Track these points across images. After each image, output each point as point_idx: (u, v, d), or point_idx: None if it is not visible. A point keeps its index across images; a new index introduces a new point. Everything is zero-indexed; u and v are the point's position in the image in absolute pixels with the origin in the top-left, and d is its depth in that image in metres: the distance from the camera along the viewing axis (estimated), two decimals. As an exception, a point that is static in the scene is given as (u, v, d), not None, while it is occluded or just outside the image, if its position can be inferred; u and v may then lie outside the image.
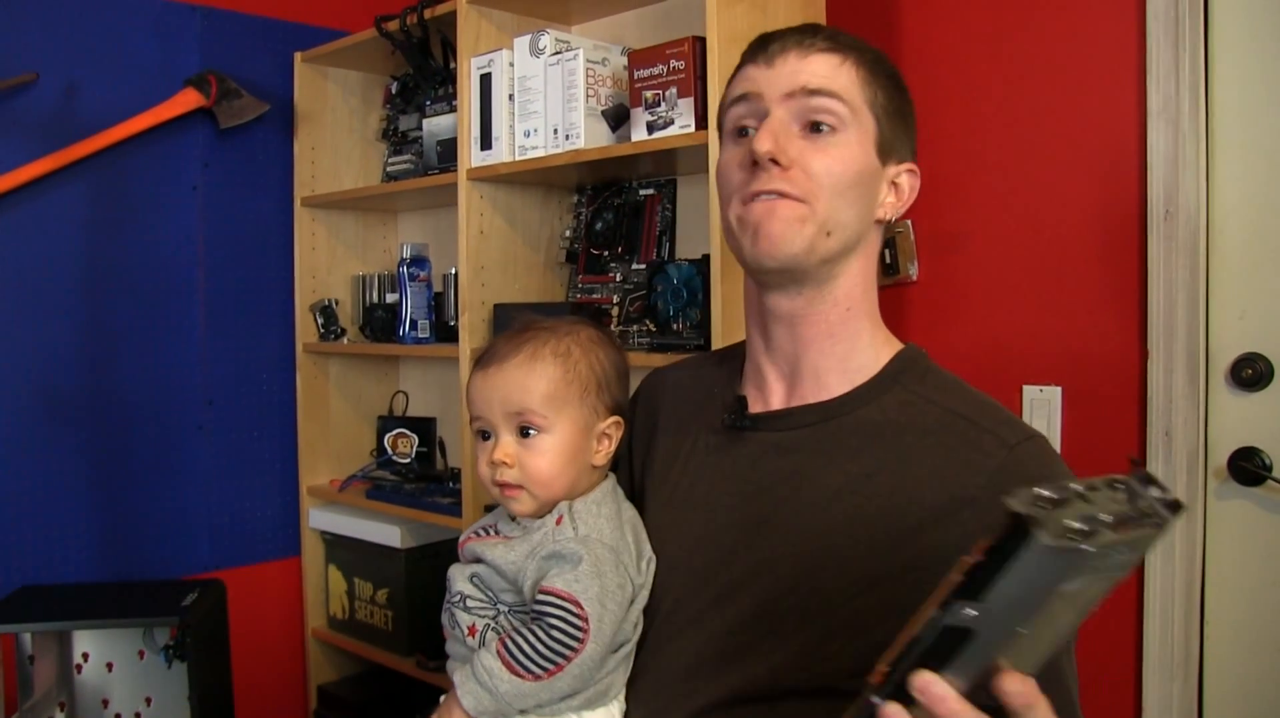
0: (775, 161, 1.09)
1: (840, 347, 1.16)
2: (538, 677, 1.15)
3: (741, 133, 1.15)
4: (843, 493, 1.10)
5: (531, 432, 1.22)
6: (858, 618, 1.05)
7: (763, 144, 1.08)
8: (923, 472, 1.07)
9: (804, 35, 1.13)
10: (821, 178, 1.10)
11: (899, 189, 1.19)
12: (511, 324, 1.30)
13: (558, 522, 1.22)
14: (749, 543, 1.14)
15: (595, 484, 1.28)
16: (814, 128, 1.11)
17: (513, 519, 1.27)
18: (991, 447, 1.05)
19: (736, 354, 1.31)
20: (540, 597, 1.17)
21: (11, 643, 2.24)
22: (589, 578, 1.16)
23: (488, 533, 1.29)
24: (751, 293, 1.22)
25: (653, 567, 1.23)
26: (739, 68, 1.18)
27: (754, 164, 1.10)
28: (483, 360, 1.27)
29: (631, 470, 1.37)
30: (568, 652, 1.15)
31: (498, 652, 1.17)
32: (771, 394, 1.21)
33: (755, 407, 1.22)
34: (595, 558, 1.17)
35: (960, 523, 1.03)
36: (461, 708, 1.19)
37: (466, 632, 1.24)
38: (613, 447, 1.29)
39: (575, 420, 1.24)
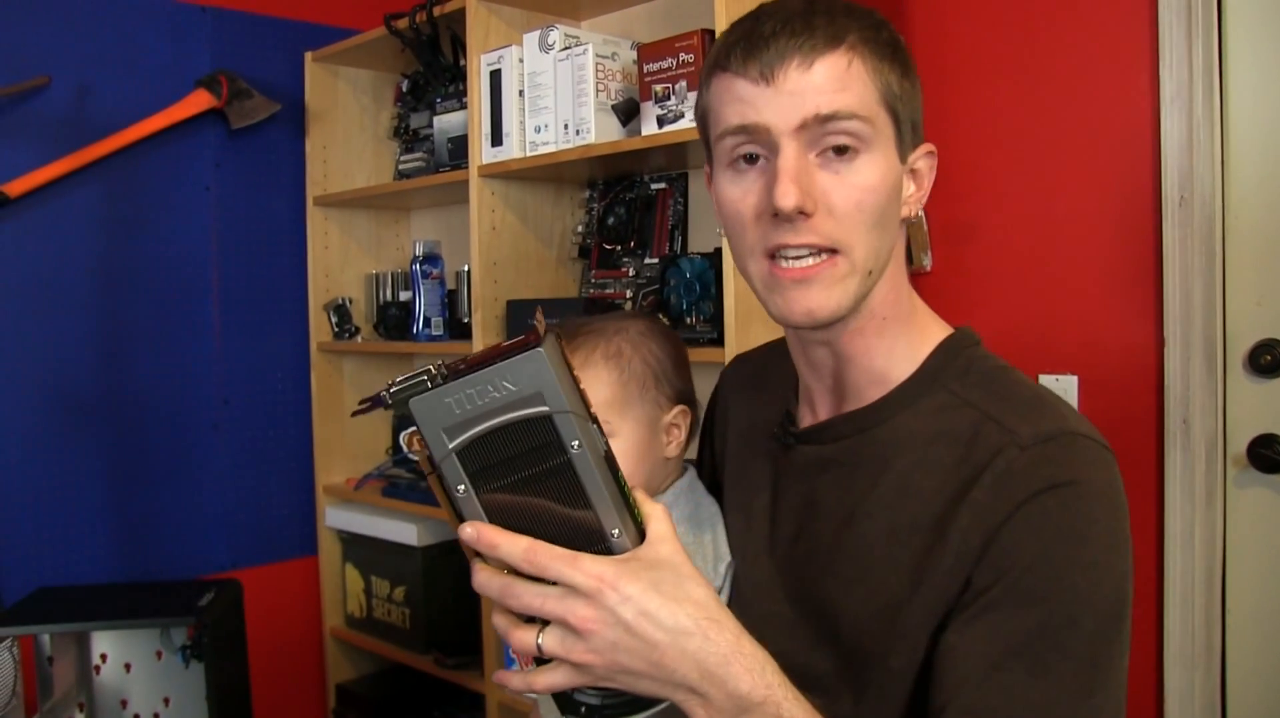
0: (802, 213, 0.95)
1: (879, 359, 1.06)
2: None
3: (748, 159, 0.99)
4: (872, 512, 1.01)
5: None
6: (878, 642, 0.98)
7: (787, 199, 0.94)
8: (946, 484, 0.97)
9: (798, 35, 0.95)
10: (853, 217, 0.97)
11: (919, 176, 1.06)
12: (565, 327, 1.25)
13: None
14: (795, 561, 1.09)
15: (671, 479, 1.26)
16: (836, 151, 0.96)
17: None
18: (1006, 447, 0.94)
19: None
20: None
21: (31, 644, 2.25)
22: None
23: None
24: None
25: (730, 571, 1.18)
26: (721, 69, 1.00)
27: (774, 214, 0.96)
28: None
29: (713, 462, 1.32)
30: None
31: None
32: (819, 407, 1.12)
33: (805, 419, 1.14)
34: None
35: (959, 527, 0.93)
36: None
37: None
38: (684, 435, 1.26)
39: (640, 419, 1.22)
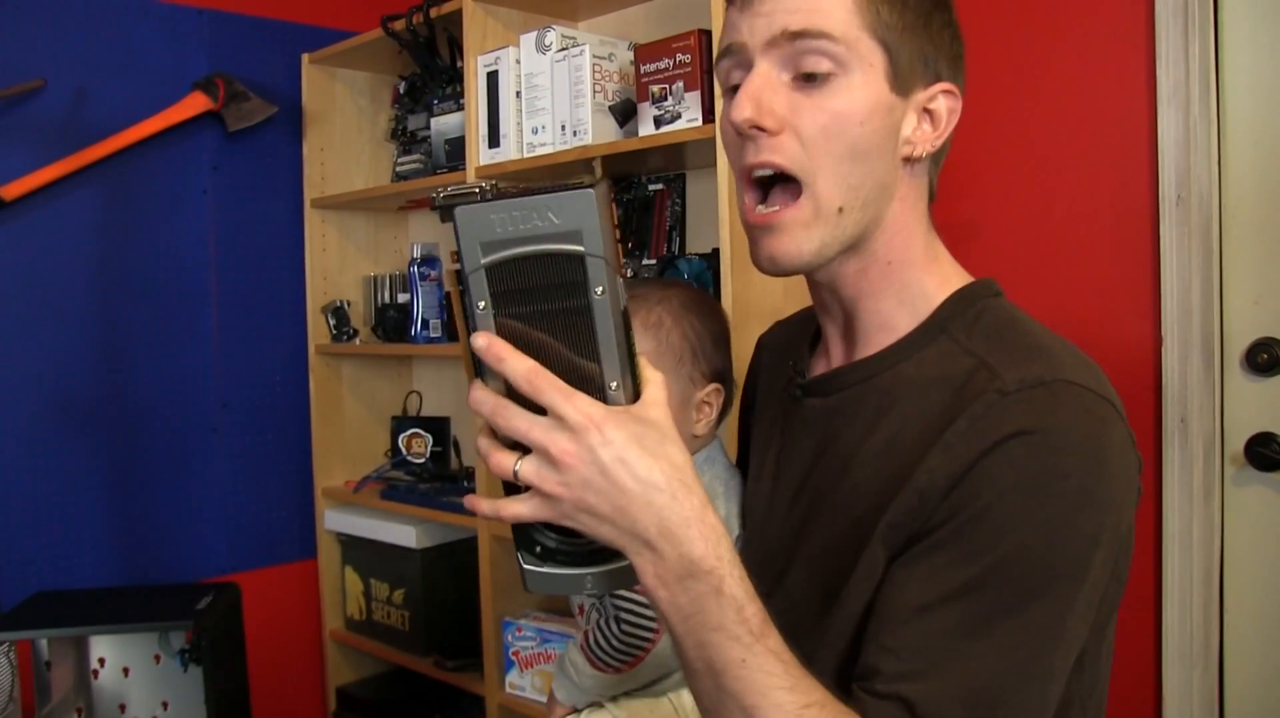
0: (761, 128, 0.95)
1: (887, 302, 1.04)
2: (618, 669, 1.18)
3: (734, 90, 0.99)
4: (865, 460, 0.99)
5: None
6: (841, 579, 0.96)
7: (740, 111, 0.94)
8: (930, 429, 0.93)
9: None
10: (818, 141, 0.95)
11: (935, 115, 1.01)
12: None
13: None
14: (799, 519, 1.07)
15: (695, 451, 1.24)
16: (807, 78, 0.95)
17: None
18: (987, 391, 0.91)
19: None
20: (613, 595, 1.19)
21: (28, 649, 2.24)
22: None
23: None
24: None
25: (739, 543, 1.17)
26: (727, 6, 1.01)
27: (739, 134, 0.96)
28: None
29: (748, 433, 1.29)
30: (644, 644, 1.17)
31: (581, 648, 1.20)
32: (834, 355, 1.10)
33: (818, 369, 1.12)
34: None
35: (927, 468, 0.90)
36: (560, 702, 1.25)
37: (577, 611, 1.28)
38: (714, 414, 1.25)
39: (672, 393, 1.19)
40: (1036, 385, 0.90)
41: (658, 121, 2.16)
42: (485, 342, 0.80)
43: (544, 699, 1.99)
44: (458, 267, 0.80)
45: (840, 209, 0.97)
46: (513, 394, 0.81)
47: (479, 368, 0.83)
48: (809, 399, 1.09)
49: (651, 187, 2.57)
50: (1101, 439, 0.90)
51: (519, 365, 0.80)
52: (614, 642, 1.18)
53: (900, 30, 0.96)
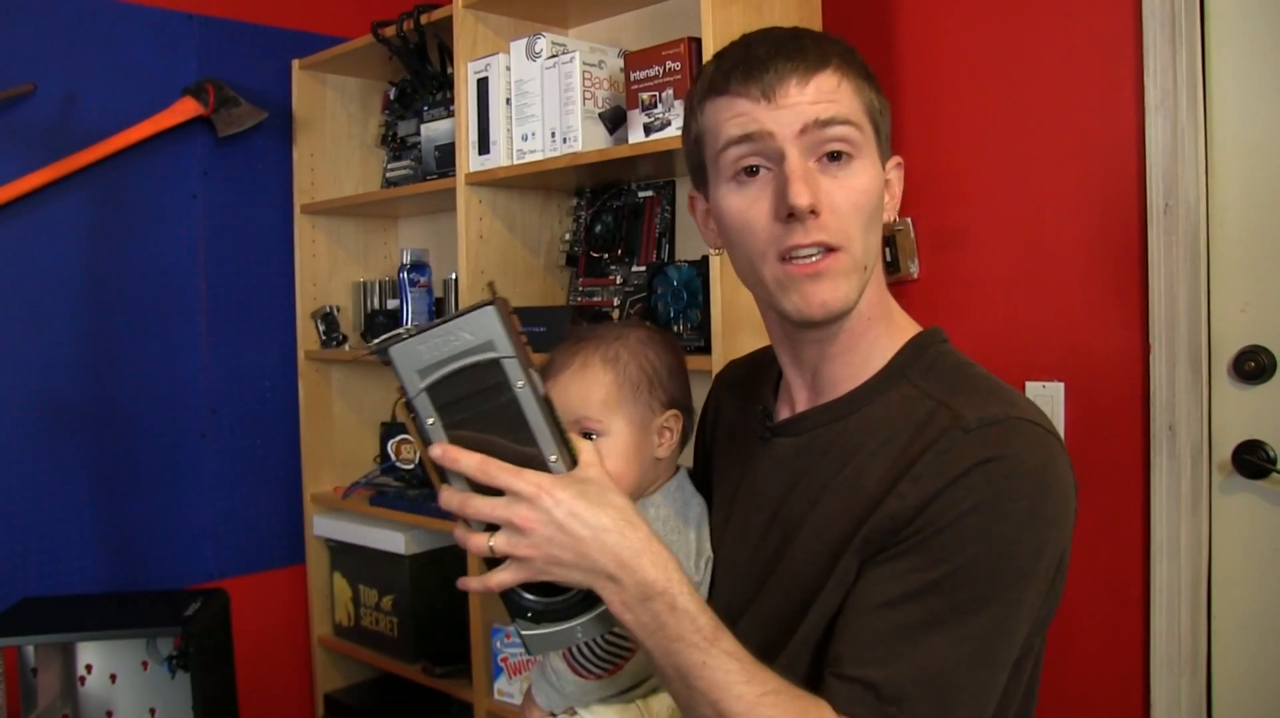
0: (812, 212, 1.04)
1: (858, 355, 1.15)
2: (599, 676, 1.24)
3: (750, 171, 1.08)
4: (836, 491, 1.10)
5: (592, 437, 1.26)
6: (815, 588, 1.08)
7: (801, 197, 1.03)
8: (898, 463, 1.05)
9: (793, 58, 1.06)
10: (852, 215, 1.07)
11: (891, 186, 1.17)
12: (569, 336, 1.37)
13: None
14: (773, 546, 1.16)
15: (662, 479, 1.33)
16: (832, 157, 1.07)
17: None
18: (951, 428, 1.03)
19: None
20: None
21: (14, 656, 2.24)
22: None
23: None
24: (774, 319, 1.20)
25: (710, 566, 1.26)
26: (718, 93, 1.10)
27: (789, 216, 1.05)
28: (543, 376, 1.30)
29: (706, 460, 1.42)
30: (625, 652, 1.22)
31: (564, 655, 1.25)
32: (798, 400, 1.21)
33: (783, 414, 1.23)
34: None
35: (899, 493, 1.02)
36: (537, 706, 1.31)
37: None
38: (675, 438, 1.33)
39: (632, 419, 1.28)
40: (993, 424, 1.03)
41: (647, 129, 2.17)
42: (440, 450, 0.96)
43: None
44: (404, 397, 0.96)
45: (865, 268, 1.10)
46: (475, 487, 0.97)
47: (441, 473, 0.99)
48: (778, 439, 1.21)
49: (641, 194, 2.57)
50: (1049, 468, 1.02)
51: (470, 461, 0.96)
52: (598, 650, 1.23)
53: (881, 113, 1.12)
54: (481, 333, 0.94)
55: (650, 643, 0.98)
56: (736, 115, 1.07)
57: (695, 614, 0.97)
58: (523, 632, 1.02)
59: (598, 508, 0.97)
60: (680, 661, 0.97)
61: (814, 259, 1.06)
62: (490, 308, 0.94)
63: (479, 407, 0.96)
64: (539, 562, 0.97)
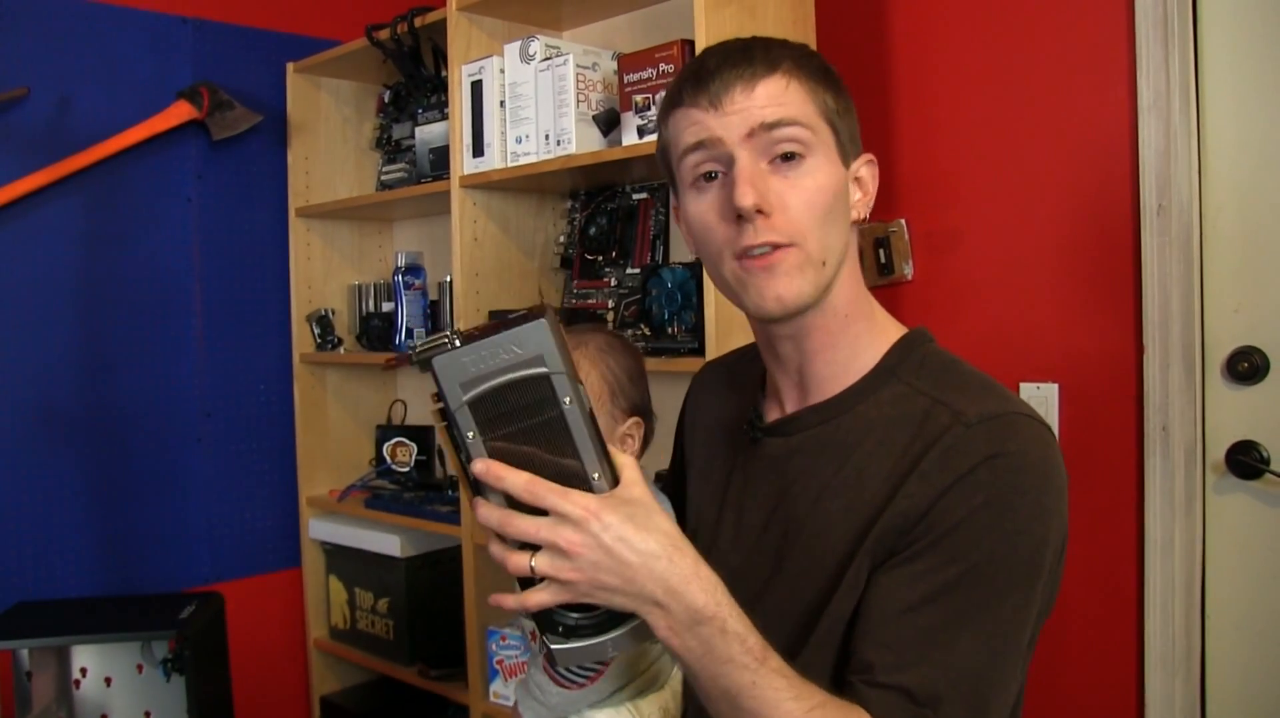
0: (762, 211, 1.08)
1: (842, 353, 1.17)
2: (581, 685, 1.25)
3: (708, 177, 1.13)
4: (838, 491, 1.12)
5: None
6: (827, 592, 1.09)
7: (745, 198, 1.06)
8: (901, 462, 1.08)
9: (738, 65, 1.10)
10: (804, 214, 1.09)
11: (863, 183, 1.19)
12: None
13: None
14: (773, 547, 1.17)
15: None
16: (784, 158, 1.10)
17: None
18: (953, 425, 1.06)
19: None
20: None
21: (9, 659, 2.24)
22: None
23: None
24: (752, 319, 1.22)
25: None
26: (675, 105, 1.15)
27: (738, 217, 1.08)
28: None
29: (682, 463, 1.43)
30: (604, 660, 1.22)
31: (544, 668, 1.26)
32: (786, 401, 1.23)
33: (772, 414, 1.25)
34: None
35: (907, 493, 1.04)
36: None
37: (529, 637, 1.34)
38: (637, 445, 1.35)
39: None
40: (994, 419, 1.05)
41: (641, 131, 2.17)
42: (484, 467, 0.93)
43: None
44: (440, 406, 0.93)
45: (823, 263, 1.11)
46: (512, 503, 0.94)
47: (477, 487, 0.95)
48: (769, 440, 1.22)
49: (635, 196, 2.57)
50: (1049, 460, 1.06)
51: (517, 479, 0.93)
52: None
53: (839, 113, 1.14)
54: (532, 347, 0.90)
55: (697, 667, 0.97)
56: (691, 124, 1.12)
57: (744, 636, 0.96)
58: (552, 646, 1.00)
59: (646, 533, 0.95)
60: (729, 683, 0.96)
61: (765, 254, 1.09)
62: (542, 321, 0.90)
63: (522, 421, 0.93)
64: (583, 585, 0.95)
